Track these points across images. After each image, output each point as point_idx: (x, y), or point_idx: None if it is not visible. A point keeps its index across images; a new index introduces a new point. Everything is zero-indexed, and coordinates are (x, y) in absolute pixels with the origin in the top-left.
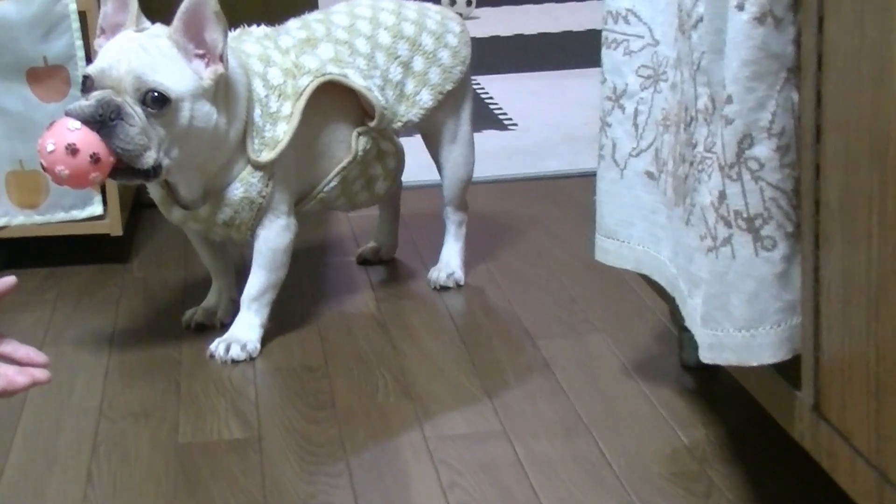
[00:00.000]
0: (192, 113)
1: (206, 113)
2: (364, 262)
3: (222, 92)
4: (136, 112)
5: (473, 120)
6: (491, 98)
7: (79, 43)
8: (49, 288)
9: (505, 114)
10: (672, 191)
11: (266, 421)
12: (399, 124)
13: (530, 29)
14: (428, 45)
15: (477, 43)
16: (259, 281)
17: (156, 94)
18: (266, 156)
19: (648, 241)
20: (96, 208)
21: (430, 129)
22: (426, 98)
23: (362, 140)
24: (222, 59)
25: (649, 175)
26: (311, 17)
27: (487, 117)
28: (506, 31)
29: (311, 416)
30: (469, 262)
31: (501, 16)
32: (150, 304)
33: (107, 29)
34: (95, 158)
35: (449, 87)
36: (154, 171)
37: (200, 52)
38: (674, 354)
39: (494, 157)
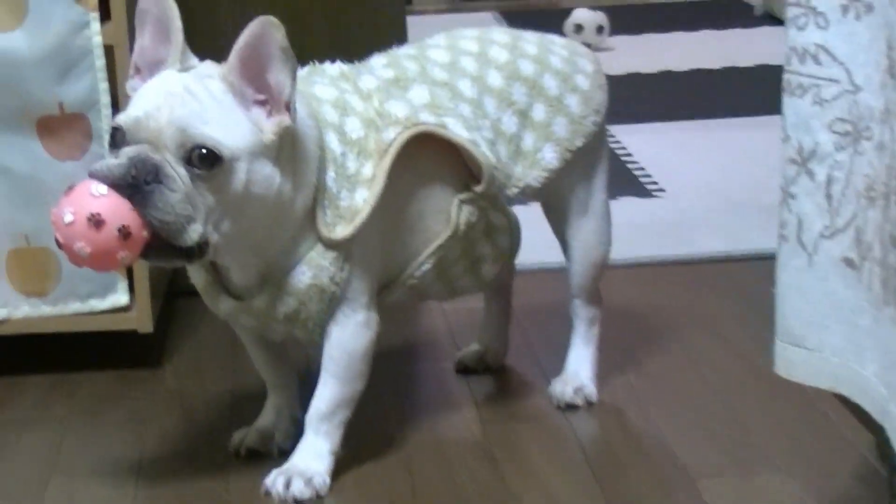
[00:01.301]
0: (250, 176)
1: (267, 176)
2: (465, 369)
3: (288, 149)
4: (178, 174)
5: (609, 185)
6: (629, 155)
7: (104, 86)
8: (58, 400)
9: (648, 176)
10: (880, 285)
11: None
12: (514, 191)
13: (681, 63)
14: (552, 88)
15: (611, 83)
16: (330, 395)
17: (204, 150)
18: (342, 231)
19: (848, 350)
20: (121, 297)
21: (555, 197)
22: (550, 156)
23: (466, 210)
24: (289, 107)
25: (848, 263)
26: (402, 53)
27: (625, 180)
28: (648, 66)
29: None
30: (603, 372)
31: (642, 46)
32: (188, 423)
33: (143, 67)
34: (125, 233)
35: (579, 142)
36: (199, 250)
37: (261, 97)
38: (883, 503)
39: (635, 232)
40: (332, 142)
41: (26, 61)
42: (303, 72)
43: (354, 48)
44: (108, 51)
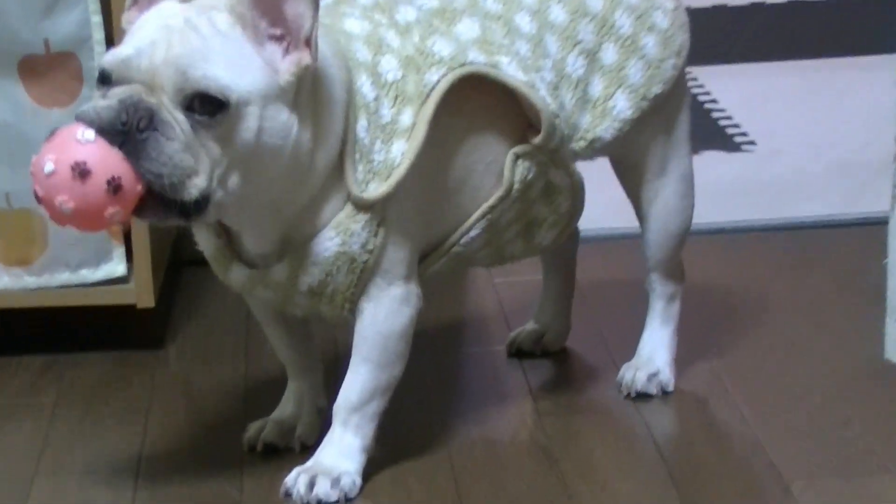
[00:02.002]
0: (262, 123)
1: (283, 123)
2: (519, 352)
3: (307, 93)
4: (176, 120)
5: (691, 138)
6: (714, 102)
7: (97, 20)
8: (47, 386)
9: (737, 126)
10: None
11: None
12: (581, 144)
13: None
14: (625, 26)
15: (693, 16)
16: (362, 382)
17: (207, 94)
18: (375, 189)
19: None
20: (117, 266)
21: (628, 154)
22: (623, 105)
23: (522, 166)
24: (310, 43)
25: None
26: None
27: (709, 131)
28: None
29: None
30: (682, 357)
31: None
32: (195, 412)
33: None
34: (115, 186)
35: (657, 89)
36: (198, 206)
37: (277, 32)
38: None
39: (720, 193)
40: (364, 85)
41: None
42: (327, 1)
43: None
44: None
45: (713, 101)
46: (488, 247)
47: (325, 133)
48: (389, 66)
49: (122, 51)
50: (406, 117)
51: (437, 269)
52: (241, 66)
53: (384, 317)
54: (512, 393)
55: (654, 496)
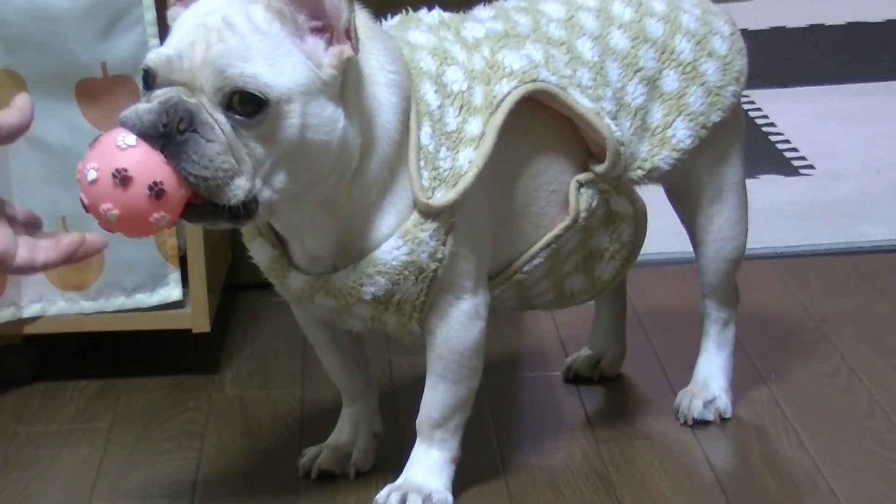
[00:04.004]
0: (305, 119)
1: (328, 118)
2: (576, 378)
3: (354, 87)
4: (216, 120)
5: (747, 162)
6: (772, 125)
7: (153, 42)
8: (101, 411)
9: (794, 150)
10: None
11: None
12: (639, 173)
13: (835, 15)
14: (685, 52)
15: (751, 39)
16: (441, 399)
17: (246, 93)
18: (442, 197)
19: None
20: (172, 290)
21: (683, 181)
22: (683, 133)
23: (586, 194)
24: (350, 35)
25: None
26: (510, 5)
27: (767, 155)
28: (796, 19)
29: None
30: (740, 383)
31: None
32: (251, 437)
33: None
34: (158, 191)
35: (716, 117)
36: (247, 208)
37: (317, 24)
38: None
39: (777, 217)
40: (428, 93)
41: (65, 16)
42: (394, 20)
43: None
44: (160, 2)
45: (771, 124)
46: (548, 278)
47: (378, 135)
48: (455, 77)
49: (164, 51)
50: (474, 126)
51: (497, 295)
52: (280, 62)
53: (456, 333)
54: (569, 419)
55: None
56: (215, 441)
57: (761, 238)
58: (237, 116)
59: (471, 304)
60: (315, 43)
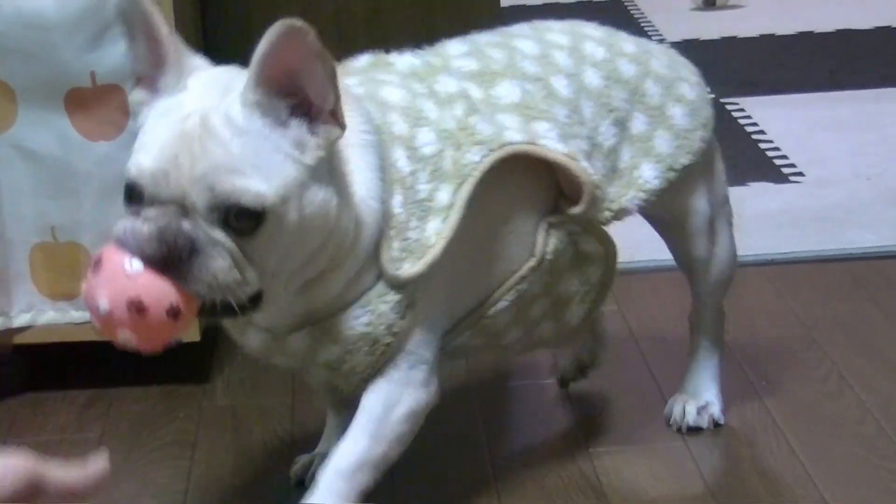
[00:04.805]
0: (302, 212)
1: (323, 202)
2: (569, 381)
3: (336, 162)
4: (216, 241)
5: (736, 173)
6: (762, 133)
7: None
8: (92, 420)
9: (784, 157)
10: None
11: None
12: (607, 214)
13: (824, 23)
14: (654, 95)
15: (742, 46)
16: (356, 451)
17: (241, 207)
18: (409, 268)
19: None
20: None
21: (664, 217)
22: (650, 175)
23: (555, 236)
24: (336, 115)
25: None
26: (483, 40)
27: (757, 162)
28: (786, 26)
29: None
30: (731, 390)
31: (778, 2)
32: (242, 446)
33: (144, 75)
34: (174, 312)
35: (684, 160)
36: (254, 301)
37: (299, 107)
38: None
39: (768, 224)
40: (400, 159)
41: (54, 25)
42: (363, 61)
43: (428, 31)
44: None
45: (761, 131)
46: (517, 325)
47: (360, 206)
48: (426, 139)
49: (146, 164)
50: (443, 195)
51: (463, 342)
52: (268, 163)
53: (395, 394)
54: (560, 427)
55: None
56: (206, 450)
57: (751, 245)
58: (236, 231)
59: (423, 375)
60: (298, 127)
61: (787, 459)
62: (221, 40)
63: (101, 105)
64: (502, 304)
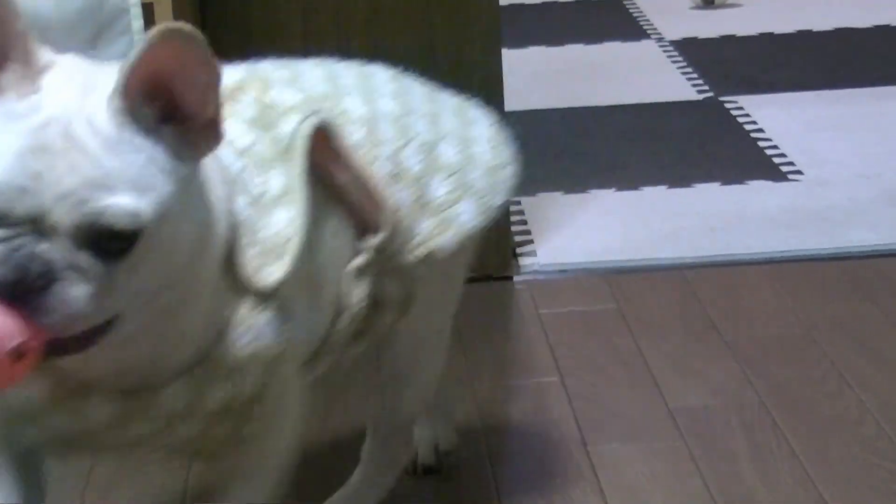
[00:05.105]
0: (177, 229)
1: (195, 214)
2: (427, 470)
3: (202, 171)
4: (79, 266)
5: (735, 171)
6: (760, 131)
7: None
8: None
9: (783, 156)
10: None
11: None
12: (417, 254)
13: (824, 22)
14: (453, 125)
15: (740, 45)
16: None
17: (112, 228)
18: (274, 271)
19: None
20: None
21: (392, 292)
22: (469, 212)
23: (364, 282)
24: (215, 124)
25: None
26: (266, 67)
27: (755, 161)
28: (785, 25)
29: None
30: (732, 386)
31: (778, 2)
32: None
33: None
34: (19, 353)
35: (499, 200)
36: (106, 327)
37: (172, 113)
38: None
39: (767, 223)
40: (228, 156)
41: (52, 25)
42: None
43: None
44: (148, 9)
45: (759, 130)
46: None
47: (216, 215)
48: (237, 132)
49: None
50: (275, 181)
51: (323, 368)
52: (142, 177)
53: (290, 433)
54: (558, 425)
55: None
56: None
57: (750, 244)
58: (103, 254)
59: (298, 409)
60: (171, 135)
61: (786, 459)
62: (221, 39)
63: None
64: (344, 323)
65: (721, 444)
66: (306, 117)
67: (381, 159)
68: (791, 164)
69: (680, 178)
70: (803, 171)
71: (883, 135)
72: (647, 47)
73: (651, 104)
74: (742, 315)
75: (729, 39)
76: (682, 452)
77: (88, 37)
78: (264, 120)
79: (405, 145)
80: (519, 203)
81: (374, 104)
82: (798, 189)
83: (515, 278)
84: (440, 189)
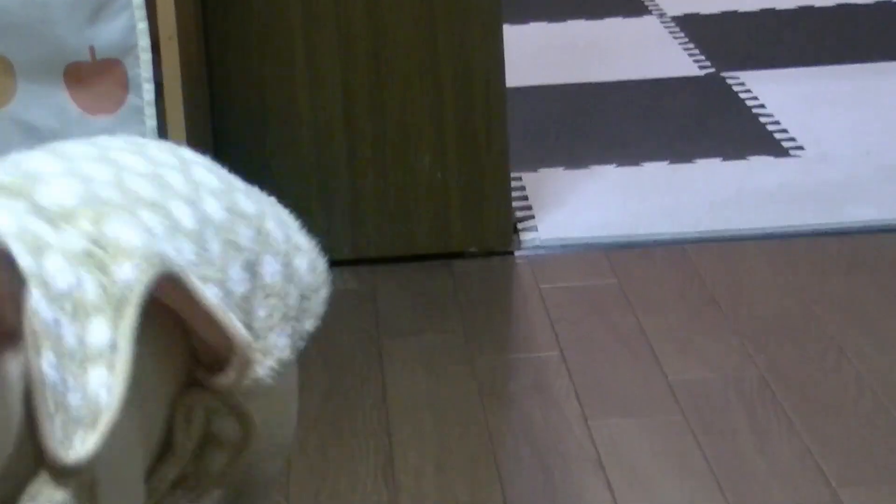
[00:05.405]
0: None
1: None
2: None
3: None
4: None
5: (735, 147)
6: (762, 107)
7: (142, 26)
8: None
9: (784, 132)
10: None
11: None
12: (247, 383)
13: None
14: (278, 239)
15: (740, 21)
16: None
17: None
18: (84, 445)
19: None
20: None
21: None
22: (283, 342)
23: (198, 417)
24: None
25: None
26: (75, 152)
27: (757, 137)
28: (787, 1)
29: None
30: (732, 363)
31: None
32: None
33: None
34: None
35: (309, 325)
36: None
37: None
38: None
39: (768, 198)
40: (40, 304)
41: (53, 0)
42: None
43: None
44: None
45: (761, 105)
46: None
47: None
48: (57, 268)
49: None
50: (97, 334)
51: None
52: None
53: None
54: (559, 400)
55: (698, 499)
56: None
57: (750, 219)
58: None
59: None
60: None
61: (785, 433)
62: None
63: (100, 79)
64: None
65: (720, 419)
66: (146, 267)
67: (213, 282)
68: (792, 139)
69: (681, 153)
70: (804, 146)
71: (885, 111)
72: (648, 23)
73: (652, 80)
74: (742, 290)
75: (731, 15)
76: (682, 427)
77: (89, 12)
78: (96, 259)
79: (232, 265)
80: (520, 178)
81: (200, 208)
82: (799, 165)
83: (516, 253)
84: (261, 311)
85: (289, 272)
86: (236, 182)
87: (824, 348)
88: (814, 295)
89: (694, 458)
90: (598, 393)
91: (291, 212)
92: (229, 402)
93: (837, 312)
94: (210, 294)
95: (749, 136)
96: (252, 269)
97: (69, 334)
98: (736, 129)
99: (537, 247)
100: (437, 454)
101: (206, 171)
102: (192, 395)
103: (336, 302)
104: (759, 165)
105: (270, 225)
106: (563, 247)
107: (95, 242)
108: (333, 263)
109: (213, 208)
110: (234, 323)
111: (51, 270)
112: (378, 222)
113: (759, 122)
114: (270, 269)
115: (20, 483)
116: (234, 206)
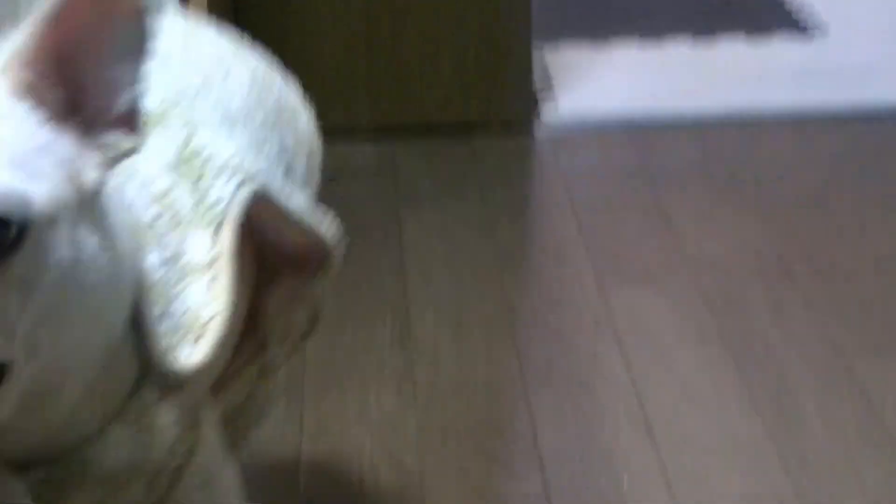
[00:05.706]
0: (76, 251)
1: (96, 249)
2: None
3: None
4: None
5: (758, 26)
6: None
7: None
8: None
9: (810, 9)
10: None
11: None
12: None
13: None
14: (303, 126)
15: None
16: None
17: None
18: (190, 356)
19: None
20: None
21: None
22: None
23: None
24: (133, 119)
25: None
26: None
27: (780, 16)
28: None
29: None
30: (749, 238)
31: None
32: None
33: None
34: None
35: (314, 186)
36: None
37: (72, 95)
38: None
39: (790, 77)
40: (140, 198)
41: None
42: None
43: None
44: None
45: None
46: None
47: (125, 272)
48: (152, 172)
49: None
50: (198, 247)
51: None
52: (36, 164)
53: None
54: (576, 269)
55: (714, 369)
56: None
57: (772, 98)
58: None
59: None
60: (76, 132)
61: (800, 307)
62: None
63: None
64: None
65: (737, 292)
66: (243, 181)
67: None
68: (815, 19)
69: (704, 29)
70: (830, 26)
71: None
72: None
73: None
74: (763, 169)
75: None
76: (699, 299)
77: None
78: (187, 167)
79: (280, 162)
80: (542, 51)
81: (267, 115)
82: (821, 45)
83: (536, 128)
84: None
85: (312, 163)
86: (248, 55)
87: (842, 226)
88: (835, 175)
89: (709, 330)
90: (615, 265)
91: (311, 79)
92: (309, 296)
93: (858, 192)
94: (295, 202)
95: (773, 14)
96: (289, 168)
97: (170, 240)
98: (759, 7)
99: (557, 123)
100: (454, 323)
101: (265, 66)
102: (282, 288)
103: (356, 173)
104: (782, 45)
105: (303, 121)
106: (583, 123)
107: (188, 150)
108: (352, 131)
109: (273, 113)
110: (321, 226)
111: (144, 170)
112: (397, 89)
113: (782, 0)
114: (301, 170)
115: (121, 397)
116: (283, 105)
